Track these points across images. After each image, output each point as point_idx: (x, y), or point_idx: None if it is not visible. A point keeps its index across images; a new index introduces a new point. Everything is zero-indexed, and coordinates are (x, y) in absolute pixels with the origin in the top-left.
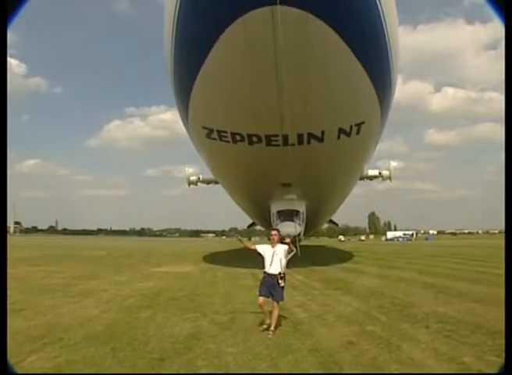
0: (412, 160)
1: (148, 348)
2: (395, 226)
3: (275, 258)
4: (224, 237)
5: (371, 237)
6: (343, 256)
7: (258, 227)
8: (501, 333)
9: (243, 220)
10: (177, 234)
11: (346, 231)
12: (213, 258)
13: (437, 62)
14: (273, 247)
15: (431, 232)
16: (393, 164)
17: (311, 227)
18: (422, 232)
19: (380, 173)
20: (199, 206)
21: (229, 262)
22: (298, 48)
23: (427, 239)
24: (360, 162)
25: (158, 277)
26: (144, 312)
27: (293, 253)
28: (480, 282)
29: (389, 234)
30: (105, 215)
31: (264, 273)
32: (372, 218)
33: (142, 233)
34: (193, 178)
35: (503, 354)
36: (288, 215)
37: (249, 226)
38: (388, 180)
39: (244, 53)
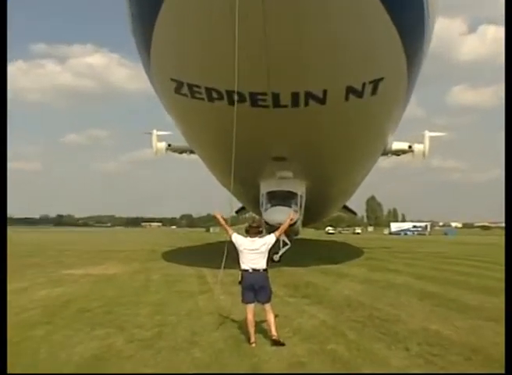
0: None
1: None
2: (403, 216)
3: (257, 253)
4: (174, 227)
5: (370, 229)
6: (325, 253)
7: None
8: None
9: (208, 205)
10: (109, 224)
11: (338, 221)
12: (152, 255)
13: None
14: (252, 240)
15: (453, 225)
16: (429, 134)
17: (314, 216)
18: (441, 224)
19: (410, 147)
20: (143, 186)
21: (172, 261)
22: None
23: (446, 234)
24: (379, 131)
25: (71, 282)
26: (39, 329)
27: (286, 247)
28: (497, 294)
29: (394, 226)
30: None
31: (244, 271)
32: (372, 204)
33: (59, 221)
34: (161, 145)
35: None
36: (281, 198)
37: (238, 212)
38: (421, 158)
39: None
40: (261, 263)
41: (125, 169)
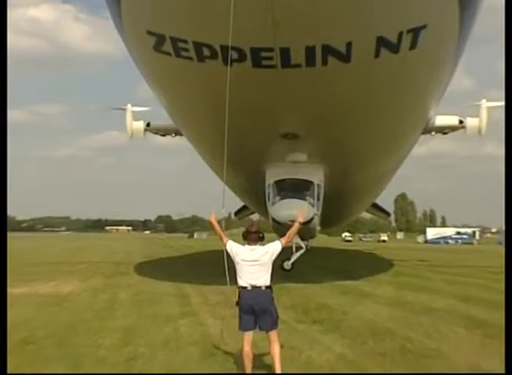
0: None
1: None
2: (443, 220)
3: (257, 265)
4: (147, 232)
5: (400, 235)
6: (342, 266)
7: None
8: None
9: (194, 204)
10: (62, 228)
11: (357, 226)
12: (119, 268)
13: None
14: (251, 248)
15: None
16: (488, 105)
17: (335, 216)
18: (494, 231)
19: (461, 122)
20: (107, 179)
21: (146, 275)
22: None
23: (500, 243)
24: (420, 99)
25: (10, 304)
26: None
27: (301, 252)
28: None
29: (431, 233)
30: None
31: (242, 288)
32: (402, 203)
33: None
34: (138, 125)
35: None
36: (293, 188)
37: (237, 213)
38: (478, 134)
39: None
40: (262, 278)
41: (83, 157)
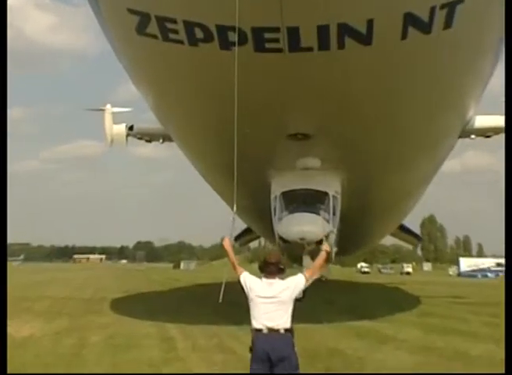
0: None
1: None
2: (479, 248)
3: (275, 303)
4: (124, 262)
5: (427, 267)
6: (358, 302)
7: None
8: None
9: (181, 227)
10: (21, 257)
11: (376, 254)
12: (90, 305)
13: None
14: (269, 282)
15: None
16: None
17: (354, 239)
18: None
19: None
20: (76, 198)
21: (123, 313)
22: None
23: None
24: (456, 91)
25: None
26: None
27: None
28: None
29: (465, 263)
30: None
31: (256, 331)
32: (430, 228)
33: None
34: (119, 129)
35: None
36: (304, 200)
37: (238, 238)
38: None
39: None
40: (281, 319)
41: (47, 171)
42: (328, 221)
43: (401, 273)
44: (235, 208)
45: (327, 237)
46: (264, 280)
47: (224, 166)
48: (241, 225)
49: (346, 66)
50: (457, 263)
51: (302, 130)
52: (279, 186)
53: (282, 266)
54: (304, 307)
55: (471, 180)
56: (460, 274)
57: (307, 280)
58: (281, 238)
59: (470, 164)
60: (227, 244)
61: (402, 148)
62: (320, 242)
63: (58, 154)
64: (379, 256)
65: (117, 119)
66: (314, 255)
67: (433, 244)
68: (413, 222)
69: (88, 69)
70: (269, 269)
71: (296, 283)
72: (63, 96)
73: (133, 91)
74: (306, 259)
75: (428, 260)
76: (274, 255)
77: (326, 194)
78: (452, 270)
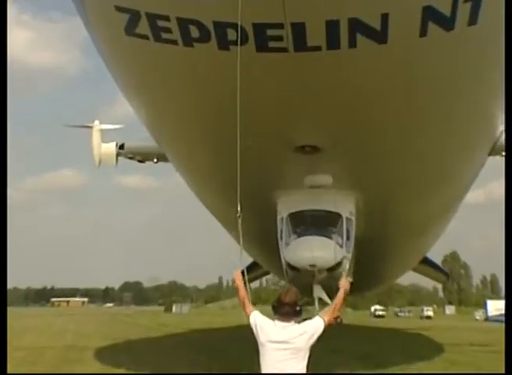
0: None
1: None
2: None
3: (290, 349)
4: (110, 305)
5: (450, 310)
6: (371, 349)
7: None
8: None
9: (172, 264)
10: None
11: (391, 296)
12: (70, 355)
13: None
14: (283, 325)
15: None
16: None
17: (369, 274)
18: None
19: None
20: (56, 232)
21: (108, 364)
22: None
23: None
24: (483, 98)
25: None
26: None
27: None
28: None
29: (493, 306)
30: None
31: None
32: (453, 266)
33: None
34: (108, 148)
35: None
36: (314, 222)
37: (243, 275)
38: None
39: None
40: (294, 369)
41: (22, 205)
42: (341, 246)
43: (421, 318)
44: (239, 226)
45: (340, 264)
46: (277, 322)
47: (225, 184)
48: (245, 260)
49: (359, 67)
50: (484, 306)
51: (310, 141)
52: (285, 206)
53: (298, 308)
54: (312, 354)
55: (498, 212)
56: (487, 319)
57: (326, 322)
58: (288, 265)
59: (496, 194)
60: (238, 279)
61: (425, 161)
62: (332, 269)
63: (33, 185)
64: (395, 297)
65: (106, 138)
66: (325, 285)
67: (457, 284)
68: (434, 259)
69: (69, 89)
70: (284, 310)
71: (315, 328)
72: (41, 117)
73: (121, 113)
74: (317, 289)
75: (450, 302)
76: (290, 294)
77: (339, 215)
78: (478, 314)
